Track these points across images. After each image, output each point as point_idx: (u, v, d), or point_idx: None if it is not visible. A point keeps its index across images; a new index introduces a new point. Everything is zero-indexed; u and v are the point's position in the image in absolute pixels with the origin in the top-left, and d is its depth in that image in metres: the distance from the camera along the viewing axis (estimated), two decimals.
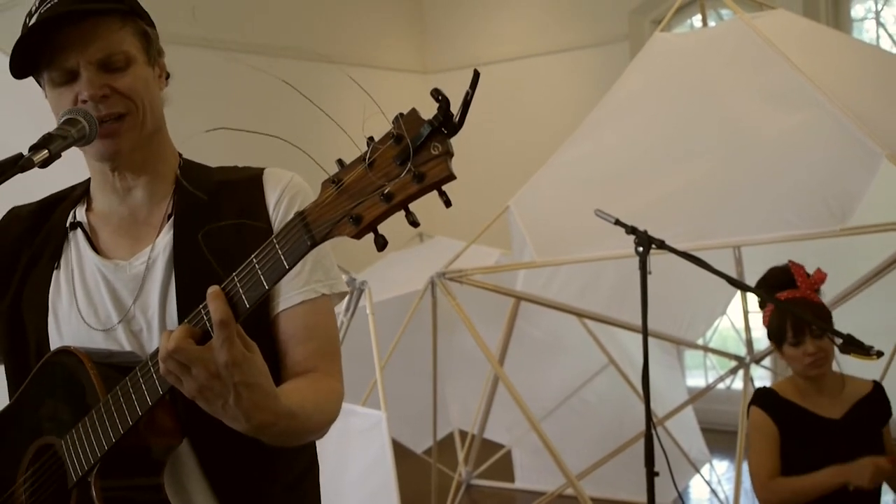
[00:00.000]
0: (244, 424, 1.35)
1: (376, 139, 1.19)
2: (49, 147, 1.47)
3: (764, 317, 3.03)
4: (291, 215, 1.59)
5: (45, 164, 1.47)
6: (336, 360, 1.66)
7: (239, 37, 7.44)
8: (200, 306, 1.31)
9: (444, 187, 1.17)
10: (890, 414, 3.04)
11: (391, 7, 9.11)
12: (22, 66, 1.57)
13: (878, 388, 3.06)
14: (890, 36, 7.40)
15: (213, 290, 1.29)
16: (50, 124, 1.63)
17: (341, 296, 1.67)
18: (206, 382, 1.29)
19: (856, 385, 3.03)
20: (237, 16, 7.53)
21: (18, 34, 1.58)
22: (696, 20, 5.98)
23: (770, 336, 3.01)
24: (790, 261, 3.03)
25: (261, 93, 6.56)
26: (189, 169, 1.71)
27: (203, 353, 1.29)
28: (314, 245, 1.24)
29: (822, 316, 2.92)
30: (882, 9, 7.41)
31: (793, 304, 2.92)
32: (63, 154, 1.49)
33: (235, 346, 1.28)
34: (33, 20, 1.55)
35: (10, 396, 1.67)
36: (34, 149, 1.46)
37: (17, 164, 1.45)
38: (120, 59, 1.57)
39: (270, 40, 7.65)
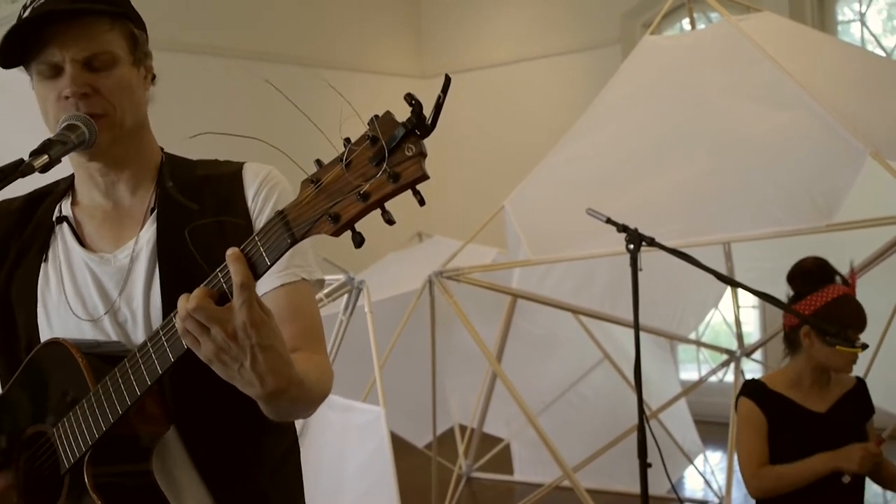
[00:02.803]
0: (258, 389, 1.35)
1: (353, 140, 1.20)
2: (49, 152, 1.47)
3: (806, 306, 2.93)
4: (269, 206, 1.62)
5: (45, 168, 1.48)
6: (321, 340, 1.66)
7: (238, 43, 7.45)
8: (217, 270, 1.31)
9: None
10: (872, 410, 3.03)
11: (388, 14, 9.12)
12: (9, 57, 1.58)
13: (861, 383, 3.04)
14: (875, 37, 7.40)
15: (233, 252, 1.28)
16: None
17: (319, 284, 1.68)
18: (224, 344, 1.29)
19: (840, 380, 3.01)
20: (237, 23, 7.54)
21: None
22: (686, 23, 5.98)
23: (817, 324, 2.85)
24: (851, 262, 2.98)
25: (257, 96, 6.55)
26: (171, 163, 1.72)
27: (222, 312, 1.28)
28: (294, 243, 1.26)
29: (864, 320, 2.89)
30: (867, 11, 7.41)
31: (850, 300, 2.90)
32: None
33: (255, 308, 1.29)
34: (26, 14, 1.55)
35: (3, 385, 1.69)
36: (34, 154, 1.47)
37: (17, 169, 1.45)
38: (104, 60, 1.58)
39: (269, 47, 7.66)
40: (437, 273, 4.87)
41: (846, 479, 2.81)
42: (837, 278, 2.96)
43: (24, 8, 1.57)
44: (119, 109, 1.59)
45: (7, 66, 1.60)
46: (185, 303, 1.30)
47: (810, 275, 2.97)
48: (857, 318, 2.87)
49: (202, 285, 1.32)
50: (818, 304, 2.90)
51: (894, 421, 4.73)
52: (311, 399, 1.52)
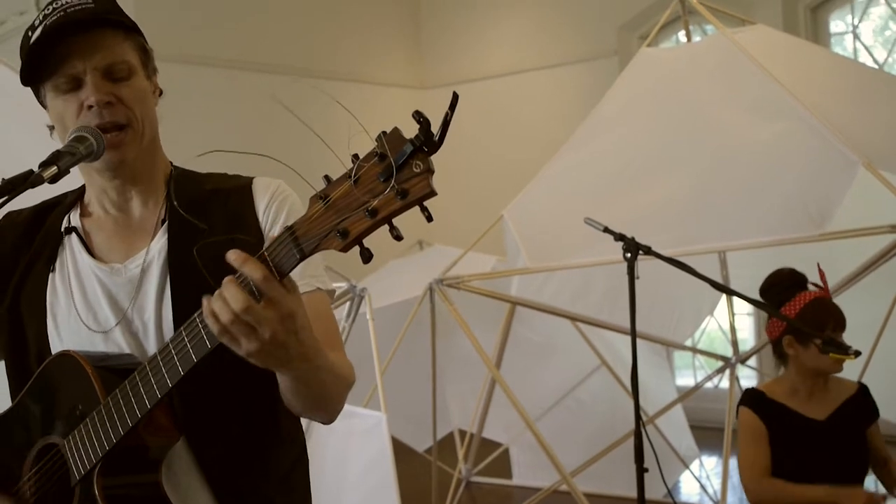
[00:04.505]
0: (298, 364, 1.37)
1: (361, 156, 1.20)
2: (58, 163, 1.47)
3: (787, 311, 2.97)
4: (280, 220, 1.62)
5: (54, 179, 1.47)
6: (340, 343, 1.67)
7: (241, 55, 7.47)
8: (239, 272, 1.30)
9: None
10: (877, 414, 3.04)
11: (388, 25, 9.13)
12: (31, 72, 1.58)
13: (862, 389, 3.05)
14: (867, 49, 7.41)
15: (238, 256, 1.28)
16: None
17: (331, 294, 1.68)
18: (272, 338, 1.29)
19: (841, 386, 3.03)
20: (240, 35, 7.56)
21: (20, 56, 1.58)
22: (682, 35, 5.99)
23: (798, 329, 2.89)
24: (818, 265, 3.01)
25: (262, 107, 6.57)
26: (181, 177, 1.72)
27: (267, 311, 1.28)
28: (303, 258, 1.26)
29: (842, 318, 2.92)
30: (859, 24, 7.42)
31: (822, 302, 2.91)
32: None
33: (288, 296, 1.30)
34: (38, 32, 1.55)
35: (13, 397, 1.67)
36: (44, 165, 1.47)
37: (27, 181, 1.45)
38: (123, 69, 1.58)
39: (271, 58, 7.67)
40: (437, 281, 4.88)
41: None
42: (810, 286, 2.98)
43: (33, 28, 1.57)
44: (140, 119, 1.60)
45: (27, 83, 1.60)
46: (223, 305, 1.28)
47: (780, 285, 3.00)
48: (834, 319, 2.89)
49: (233, 284, 1.30)
50: (793, 312, 2.92)
51: (888, 428, 4.72)
52: (335, 376, 1.52)
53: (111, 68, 1.57)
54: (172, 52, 6.11)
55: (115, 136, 1.57)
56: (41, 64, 1.56)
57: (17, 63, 1.61)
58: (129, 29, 1.62)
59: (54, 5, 1.57)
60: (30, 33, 1.57)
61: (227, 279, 1.29)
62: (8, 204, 1.49)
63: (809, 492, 2.82)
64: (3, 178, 1.46)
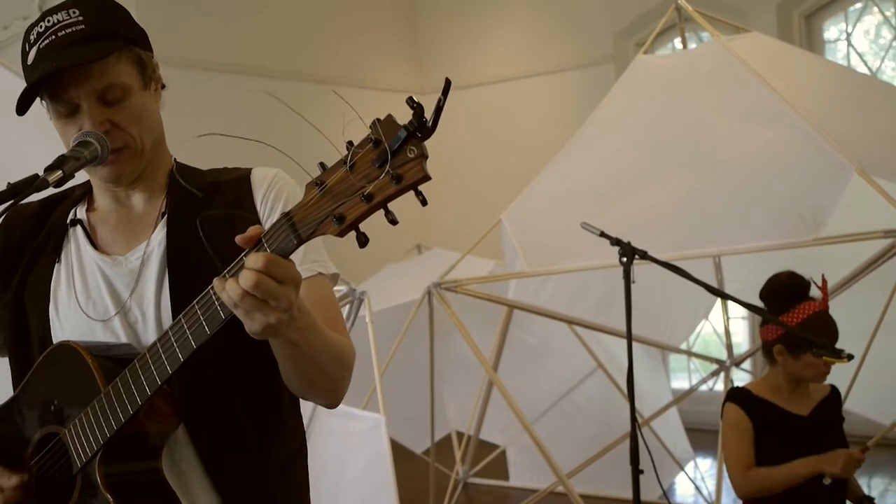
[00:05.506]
0: (294, 330, 1.37)
1: (356, 143, 1.21)
2: (63, 168, 1.48)
3: (788, 319, 2.95)
4: (279, 208, 1.63)
5: (59, 184, 1.49)
6: (343, 327, 1.66)
7: (240, 59, 7.47)
8: (242, 255, 1.30)
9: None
10: (842, 419, 3.09)
11: (387, 31, 9.14)
12: (28, 103, 1.58)
13: (835, 391, 3.11)
14: (860, 56, 7.43)
15: (255, 234, 1.29)
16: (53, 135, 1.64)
17: (335, 278, 1.68)
18: (287, 308, 1.30)
19: (818, 387, 3.07)
20: (242, 41, 7.56)
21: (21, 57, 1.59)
22: (678, 42, 6.00)
23: (799, 338, 2.88)
24: (823, 276, 3.01)
25: (259, 112, 6.55)
26: (182, 171, 1.73)
27: (281, 287, 1.28)
28: (300, 243, 1.26)
29: (835, 334, 2.92)
30: (853, 31, 7.44)
31: (821, 317, 2.92)
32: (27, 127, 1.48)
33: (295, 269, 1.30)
34: (32, 56, 1.55)
35: (14, 385, 1.69)
36: (49, 169, 1.48)
37: (32, 185, 1.46)
38: (118, 91, 1.58)
39: (273, 64, 7.68)
40: (435, 284, 4.88)
41: (827, 481, 2.84)
42: (812, 288, 2.99)
43: (30, 44, 1.57)
44: (138, 138, 1.61)
45: (22, 113, 1.59)
46: (233, 286, 1.28)
47: (782, 294, 3.00)
48: (831, 333, 2.91)
49: (226, 272, 1.32)
50: (793, 323, 2.94)
51: (878, 429, 4.73)
52: (331, 348, 1.52)
53: (105, 92, 1.57)
54: (172, 57, 6.12)
55: (113, 155, 1.58)
56: (36, 91, 1.56)
57: (19, 67, 1.62)
58: (122, 47, 1.59)
59: (45, 24, 1.56)
60: (26, 47, 1.58)
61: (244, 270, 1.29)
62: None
63: (793, 469, 2.84)
64: (8, 182, 1.47)
